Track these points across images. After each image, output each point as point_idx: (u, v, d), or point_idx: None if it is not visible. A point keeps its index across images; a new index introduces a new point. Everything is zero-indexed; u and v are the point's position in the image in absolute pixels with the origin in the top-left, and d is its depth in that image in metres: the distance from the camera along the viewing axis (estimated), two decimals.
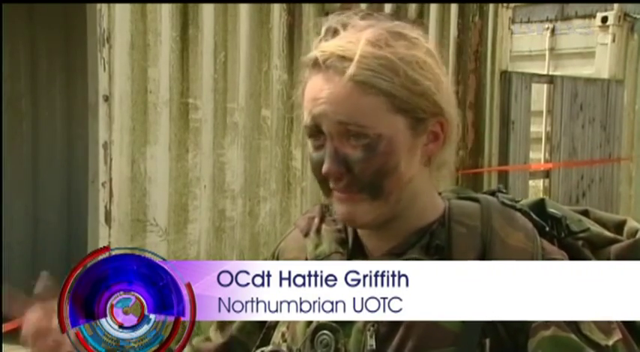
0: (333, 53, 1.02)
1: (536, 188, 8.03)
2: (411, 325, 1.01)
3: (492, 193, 1.13)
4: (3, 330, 4.29)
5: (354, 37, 1.02)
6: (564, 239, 1.10)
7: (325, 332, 1.04)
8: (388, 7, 6.00)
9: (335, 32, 1.04)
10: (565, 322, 0.98)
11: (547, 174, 7.74)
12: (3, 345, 4.71)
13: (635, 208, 8.67)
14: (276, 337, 1.12)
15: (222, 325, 1.21)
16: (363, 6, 5.80)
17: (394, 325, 1.01)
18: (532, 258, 1.02)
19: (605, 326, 0.99)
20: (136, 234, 4.53)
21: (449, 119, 1.06)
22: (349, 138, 1.01)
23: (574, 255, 1.08)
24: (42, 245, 6.31)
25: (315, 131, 1.04)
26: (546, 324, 0.99)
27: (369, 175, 1.01)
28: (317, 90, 1.02)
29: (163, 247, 4.69)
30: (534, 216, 1.09)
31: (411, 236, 1.06)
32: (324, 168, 1.02)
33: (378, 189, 1.02)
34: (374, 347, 1.01)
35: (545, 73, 8.39)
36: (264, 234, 5.23)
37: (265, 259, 1.20)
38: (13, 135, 6.15)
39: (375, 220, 1.04)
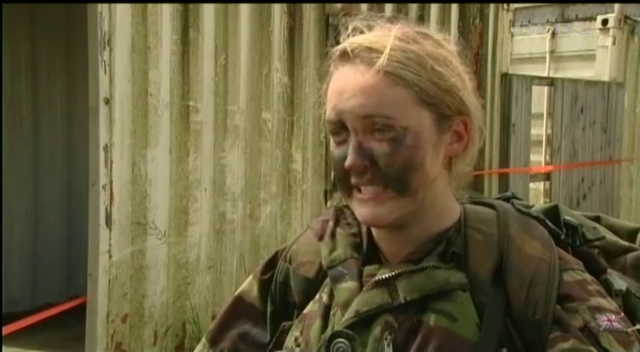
0: (362, 44, 1.02)
1: (536, 190, 8.03)
2: (429, 334, 0.99)
3: (507, 199, 1.11)
4: (5, 332, 4.29)
5: (382, 33, 1.03)
6: (579, 247, 1.08)
7: (341, 339, 1.01)
8: (388, 8, 6.01)
9: (361, 32, 1.05)
10: (584, 334, 0.97)
11: (548, 177, 7.73)
12: (3, 346, 4.71)
13: (636, 210, 8.66)
14: (289, 341, 1.10)
15: (215, 339, 1.17)
16: (364, 7, 5.80)
17: (411, 333, 1.00)
18: (549, 269, 1.00)
19: (624, 339, 0.97)
20: (136, 237, 4.53)
21: (473, 119, 1.05)
22: (374, 132, 1.00)
23: (589, 264, 1.06)
24: (42, 247, 6.31)
25: (339, 126, 1.02)
26: (565, 336, 0.97)
27: (395, 169, 0.99)
28: (343, 83, 1.01)
29: (164, 250, 4.68)
30: (550, 224, 1.08)
31: (427, 242, 1.04)
32: (348, 161, 1.00)
33: (405, 184, 1.00)
34: None
35: (545, 75, 8.39)
36: (265, 237, 5.22)
37: (271, 261, 1.18)
38: (13, 137, 6.15)
39: (399, 219, 1.02)
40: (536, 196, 7.92)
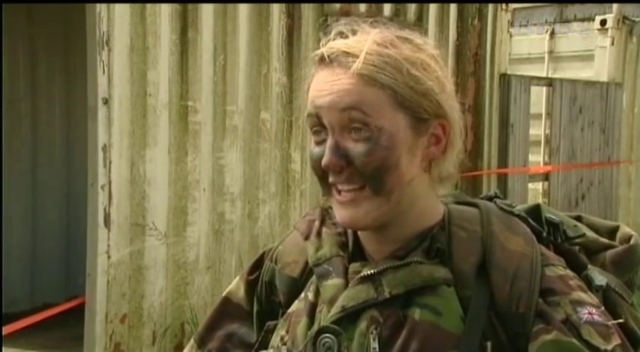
0: (340, 49, 1.04)
1: (535, 190, 8.03)
2: (414, 328, 1.01)
3: (490, 199, 1.14)
4: (4, 333, 4.28)
5: (361, 38, 1.05)
6: (561, 244, 1.11)
7: (328, 335, 1.03)
8: (387, 8, 6.01)
9: (343, 37, 1.07)
10: (566, 327, 0.99)
11: (546, 177, 7.74)
12: (3, 346, 4.71)
13: (635, 211, 8.66)
14: (275, 340, 1.11)
15: (203, 340, 1.20)
16: (362, 7, 5.80)
17: (397, 328, 1.01)
18: (532, 264, 1.02)
19: (604, 331, 0.99)
20: (135, 237, 4.53)
21: (451, 123, 1.06)
22: (350, 132, 1.02)
23: (570, 260, 1.09)
24: (41, 247, 6.31)
25: (317, 122, 1.04)
26: (548, 328, 0.99)
27: (371, 169, 1.01)
28: (322, 84, 1.04)
29: (162, 250, 4.68)
30: (532, 222, 1.10)
31: (411, 239, 1.06)
32: (324, 160, 1.02)
33: (379, 184, 1.02)
34: (377, 350, 1.01)
35: (544, 75, 8.39)
36: (264, 237, 5.22)
37: (257, 262, 1.20)
38: (12, 137, 6.15)
39: (376, 220, 1.04)
40: (535, 196, 7.92)
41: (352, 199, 1.03)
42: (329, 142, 1.03)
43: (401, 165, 1.02)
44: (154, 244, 4.63)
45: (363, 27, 1.07)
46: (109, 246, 4.39)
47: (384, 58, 1.02)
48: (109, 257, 4.39)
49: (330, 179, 1.04)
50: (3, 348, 4.69)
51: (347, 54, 1.03)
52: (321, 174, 1.05)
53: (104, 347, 4.40)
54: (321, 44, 1.07)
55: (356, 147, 1.02)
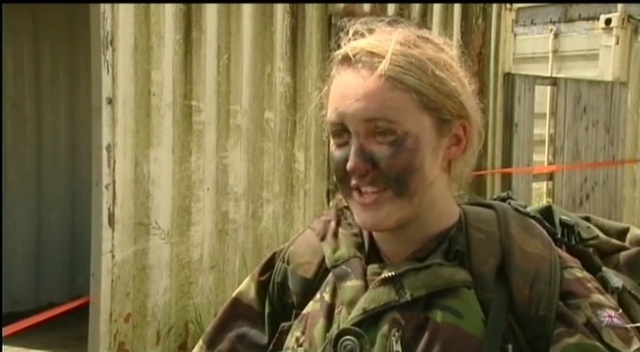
0: (364, 49, 1.03)
1: (539, 190, 8.02)
2: (436, 330, 1.00)
3: (503, 200, 1.13)
4: (9, 332, 4.29)
5: (383, 37, 1.04)
6: (574, 246, 1.11)
7: (349, 337, 1.03)
8: (391, 8, 6.01)
9: (362, 36, 1.05)
10: (589, 330, 0.99)
11: (550, 177, 7.72)
12: (7, 346, 4.72)
13: None
14: (290, 342, 1.10)
15: (213, 341, 1.19)
16: (366, 7, 5.80)
17: (419, 330, 1.01)
18: (551, 266, 1.02)
19: (624, 335, 1.00)
20: (139, 237, 4.53)
21: (472, 124, 1.06)
22: (375, 136, 1.01)
23: (585, 262, 1.08)
24: (45, 247, 6.32)
25: (340, 129, 1.03)
26: (570, 331, 0.99)
27: (396, 172, 1.01)
28: (346, 87, 1.02)
29: (166, 249, 4.69)
30: (547, 224, 1.10)
31: (430, 241, 1.06)
32: (350, 164, 1.01)
33: (403, 186, 1.01)
34: None
35: (548, 75, 8.38)
36: (267, 237, 5.23)
37: (268, 262, 1.19)
38: (17, 137, 6.16)
39: (398, 221, 1.03)
40: (539, 196, 7.91)
41: (375, 201, 1.02)
42: (354, 146, 1.01)
43: (425, 167, 1.02)
44: (158, 244, 4.63)
45: (380, 26, 1.06)
46: (113, 245, 4.39)
47: (409, 59, 1.01)
48: (113, 256, 4.39)
49: (353, 181, 1.03)
50: (7, 347, 4.70)
51: (372, 54, 1.01)
52: (343, 176, 1.04)
53: (108, 347, 4.41)
54: (342, 43, 1.05)
55: (381, 150, 1.01)
